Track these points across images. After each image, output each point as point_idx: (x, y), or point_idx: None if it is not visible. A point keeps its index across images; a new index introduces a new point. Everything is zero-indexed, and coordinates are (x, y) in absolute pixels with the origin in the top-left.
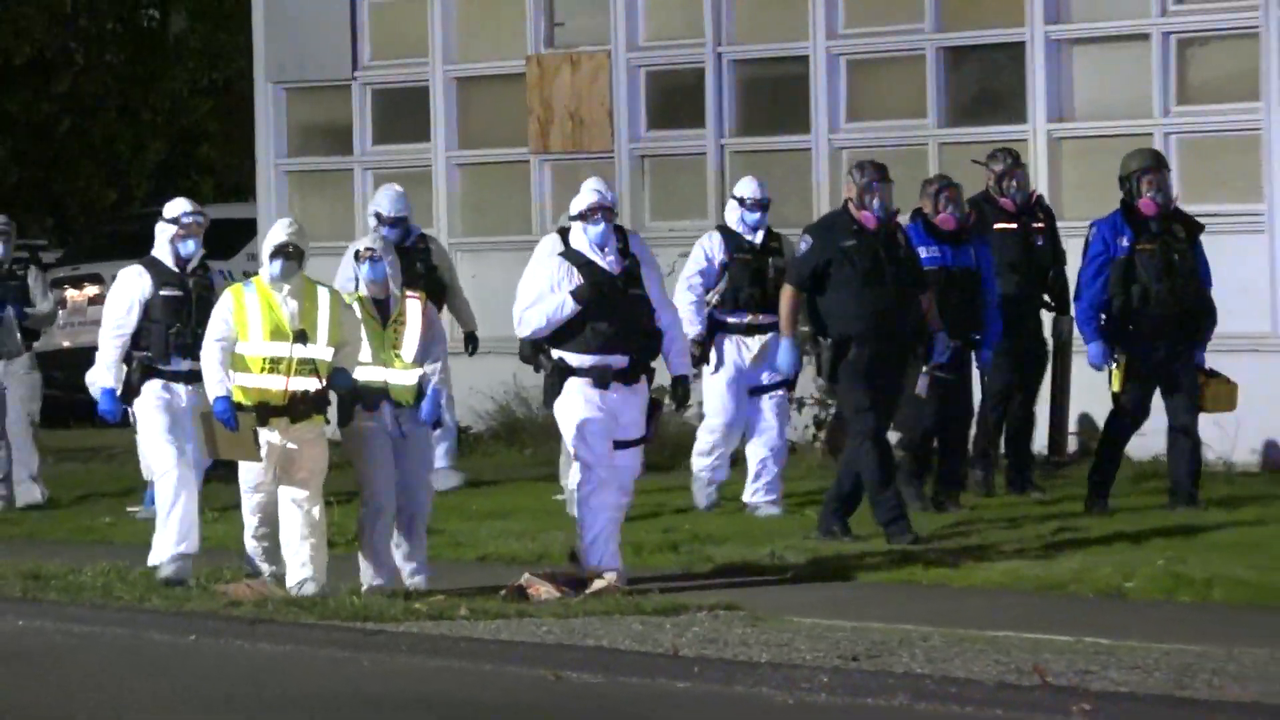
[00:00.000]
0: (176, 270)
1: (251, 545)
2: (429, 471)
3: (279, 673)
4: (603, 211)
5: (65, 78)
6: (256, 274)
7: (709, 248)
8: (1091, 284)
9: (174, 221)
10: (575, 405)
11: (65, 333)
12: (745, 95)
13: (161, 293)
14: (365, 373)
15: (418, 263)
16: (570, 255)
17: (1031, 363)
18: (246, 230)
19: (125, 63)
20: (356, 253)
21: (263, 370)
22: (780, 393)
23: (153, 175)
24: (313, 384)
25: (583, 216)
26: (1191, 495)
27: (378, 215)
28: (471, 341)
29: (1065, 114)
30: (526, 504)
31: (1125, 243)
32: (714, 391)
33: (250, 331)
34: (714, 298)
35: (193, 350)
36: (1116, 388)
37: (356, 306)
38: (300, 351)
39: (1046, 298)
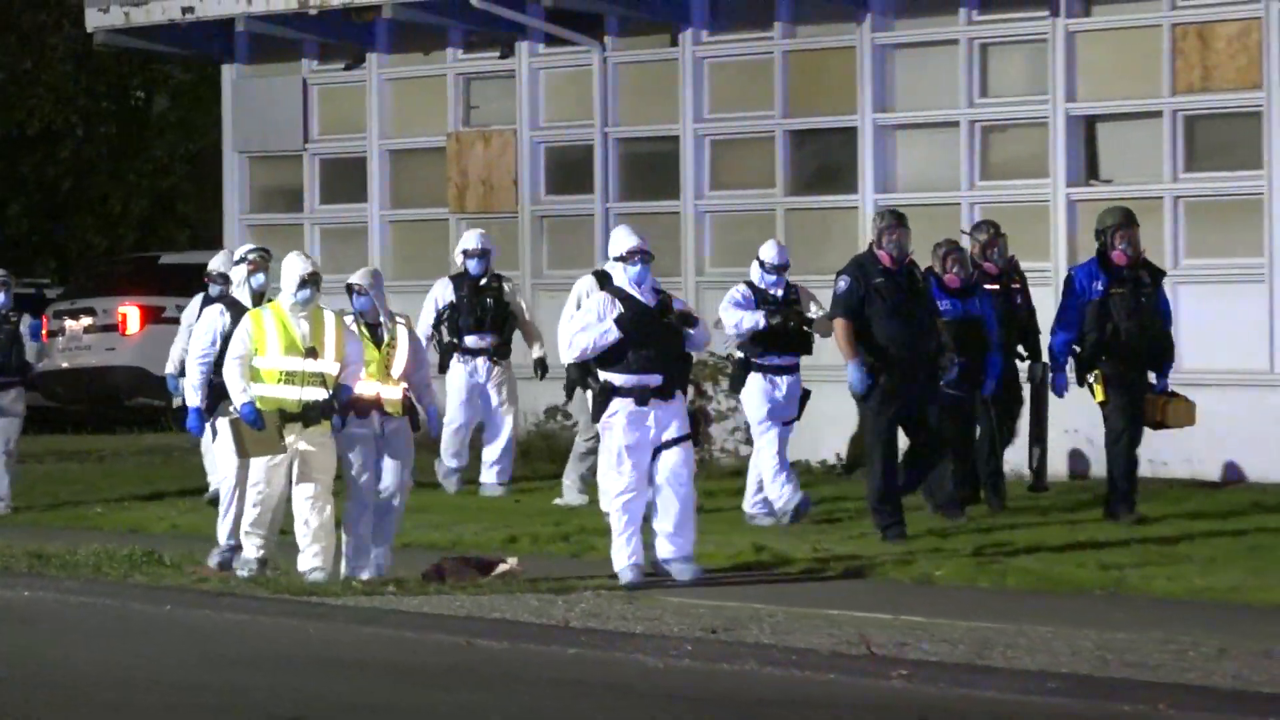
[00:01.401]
0: (252, 307)
1: (244, 534)
2: (406, 467)
3: (240, 637)
4: (641, 254)
5: (68, 146)
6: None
7: (744, 291)
8: (1065, 325)
9: (242, 260)
10: (620, 422)
11: (65, 355)
12: (627, 167)
13: None
14: (360, 386)
15: (488, 298)
16: (613, 290)
17: (1009, 403)
18: None
19: (117, 134)
20: (348, 287)
21: (279, 382)
22: (792, 425)
23: (138, 227)
24: (321, 394)
25: (624, 258)
26: (1128, 497)
27: (465, 251)
28: (541, 367)
29: (889, 187)
30: (444, 501)
31: (1100, 287)
32: (755, 418)
33: (268, 348)
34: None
35: None
36: (1101, 398)
37: (355, 329)
38: (311, 365)
39: (1021, 348)
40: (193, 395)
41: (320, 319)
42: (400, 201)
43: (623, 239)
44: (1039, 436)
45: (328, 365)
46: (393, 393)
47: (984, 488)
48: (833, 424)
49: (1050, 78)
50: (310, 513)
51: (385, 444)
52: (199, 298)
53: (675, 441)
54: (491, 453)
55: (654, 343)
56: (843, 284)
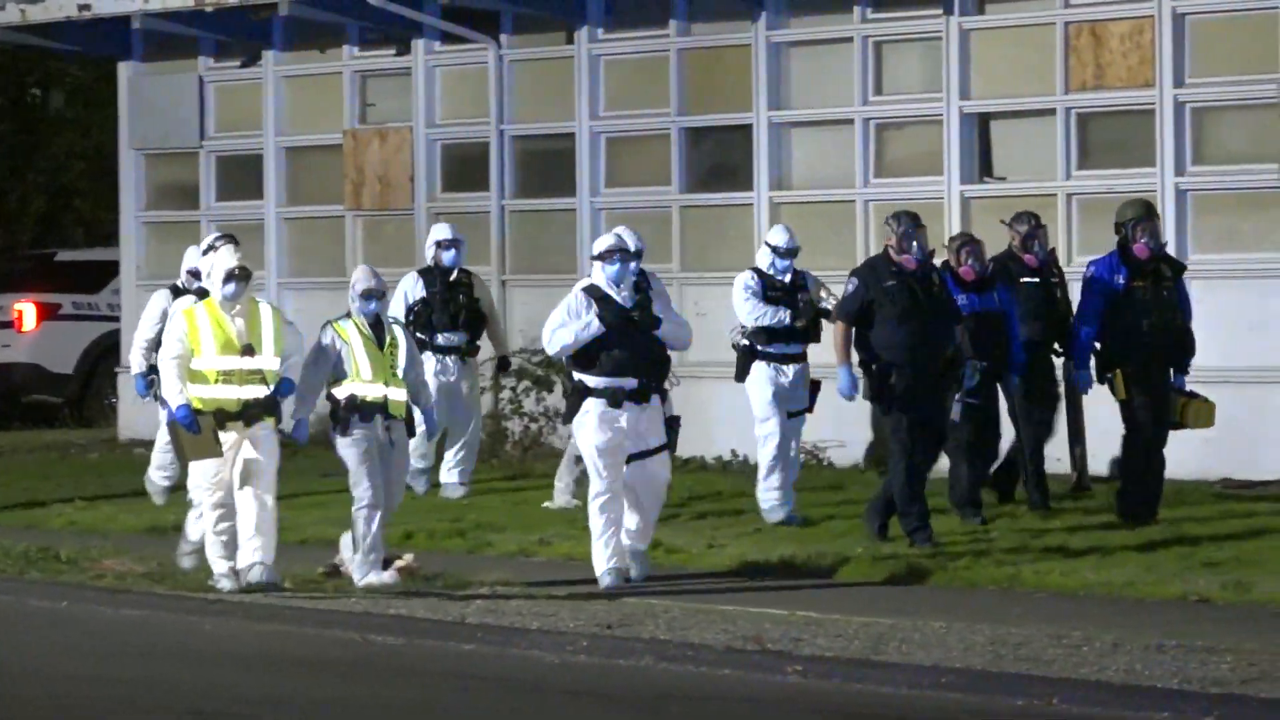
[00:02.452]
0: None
1: (211, 540)
2: (403, 476)
3: (137, 632)
4: (619, 253)
5: None
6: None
7: (750, 281)
8: (1088, 319)
9: (210, 249)
10: (592, 423)
11: None
12: (523, 165)
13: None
14: (367, 389)
15: (460, 295)
16: (590, 290)
17: (1048, 399)
18: (111, 270)
19: (13, 132)
20: (362, 291)
21: (216, 381)
22: (803, 415)
23: (35, 224)
24: (262, 391)
25: (601, 257)
26: (1148, 499)
27: (438, 243)
28: (503, 365)
29: (784, 184)
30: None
31: (1121, 280)
32: (759, 407)
33: (203, 347)
34: (748, 330)
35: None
36: (1123, 395)
37: (355, 333)
38: (248, 363)
39: (1058, 345)
40: (175, 396)
41: (256, 313)
42: (297, 199)
43: (604, 238)
44: (1078, 435)
45: (267, 361)
46: (398, 394)
47: (1026, 486)
48: (725, 420)
49: (944, 75)
50: (252, 507)
51: (390, 452)
52: (160, 294)
53: (652, 451)
54: (454, 452)
55: (629, 344)
56: (850, 286)
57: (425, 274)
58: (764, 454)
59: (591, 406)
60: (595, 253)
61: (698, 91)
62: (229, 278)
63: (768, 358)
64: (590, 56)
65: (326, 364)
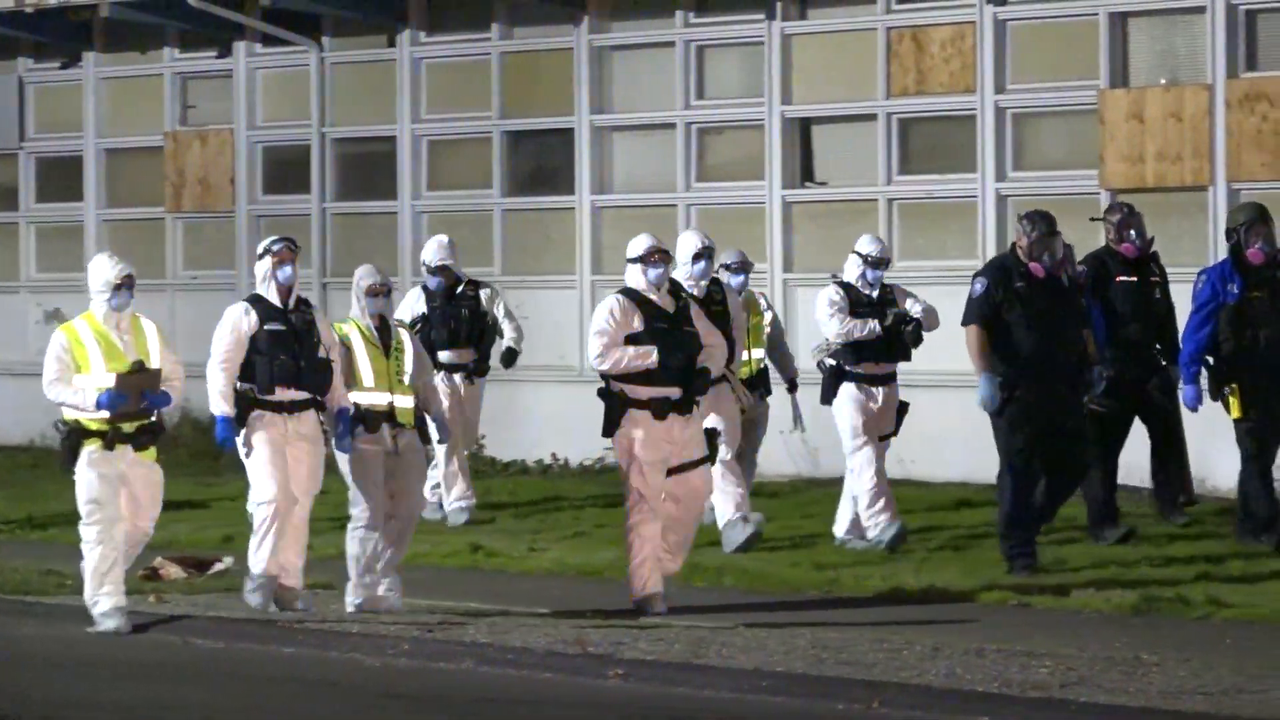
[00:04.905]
0: (280, 306)
1: (104, 591)
2: (421, 483)
3: None
4: (659, 254)
5: None
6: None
7: (835, 295)
8: (1199, 330)
9: (265, 253)
10: (635, 438)
11: None
12: (344, 167)
13: (266, 327)
14: (370, 397)
15: (463, 309)
16: (629, 294)
17: (1159, 403)
18: None
19: None
20: (368, 288)
21: None
22: (889, 441)
23: None
24: (150, 413)
25: (642, 260)
26: (1270, 522)
27: (425, 265)
28: (510, 357)
29: (606, 188)
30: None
31: (1235, 290)
32: (849, 433)
33: (91, 364)
34: (834, 347)
35: (297, 381)
36: (1237, 414)
37: (358, 337)
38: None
39: (1158, 347)
40: (218, 402)
41: (140, 328)
42: (117, 201)
43: (640, 240)
44: (1180, 447)
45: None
46: (405, 402)
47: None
48: (546, 424)
49: (766, 80)
50: (138, 540)
51: (398, 460)
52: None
53: (695, 464)
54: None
55: (673, 352)
56: (978, 287)
57: (428, 288)
58: (860, 483)
59: (635, 420)
60: (633, 256)
61: (519, 95)
62: (115, 288)
63: (856, 379)
64: (412, 59)
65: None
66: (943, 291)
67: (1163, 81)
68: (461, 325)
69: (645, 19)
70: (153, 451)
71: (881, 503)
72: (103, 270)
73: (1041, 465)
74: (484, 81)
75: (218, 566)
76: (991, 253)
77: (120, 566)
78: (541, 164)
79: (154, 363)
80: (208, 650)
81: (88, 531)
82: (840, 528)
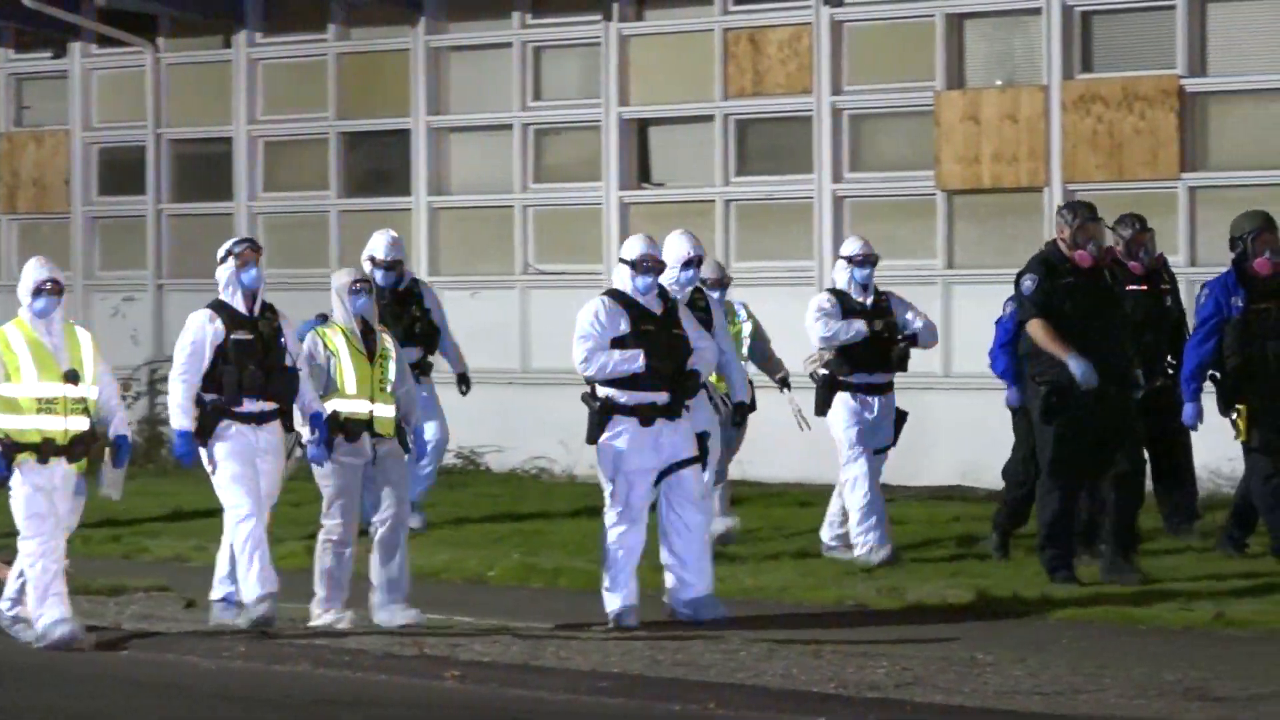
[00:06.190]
0: (246, 313)
1: (48, 603)
2: (405, 490)
3: None
4: (652, 262)
5: None
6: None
7: (826, 303)
8: (1201, 346)
9: (229, 255)
10: (619, 445)
11: None
12: (180, 168)
13: (233, 336)
14: (351, 405)
15: (412, 306)
16: (615, 295)
17: (1171, 412)
18: None
19: None
20: (351, 284)
21: (38, 411)
22: (886, 453)
23: None
24: (84, 424)
25: (634, 265)
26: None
27: (372, 259)
28: (464, 382)
29: (443, 189)
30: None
31: (1239, 303)
32: (844, 445)
33: (23, 373)
34: (826, 357)
35: (265, 391)
36: (1243, 436)
37: (343, 341)
38: (73, 391)
39: (1171, 358)
40: (178, 417)
41: (73, 335)
42: None
43: (635, 243)
44: (1186, 462)
45: (90, 390)
46: (386, 410)
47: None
48: None
49: (603, 81)
50: (59, 557)
51: (379, 470)
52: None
53: (683, 464)
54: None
55: (661, 356)
56: (1029, 283)
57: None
58: (854, 498)
59: (621, 425)
60: (626, 258)
61: (356, 96)
62: (40, 292)
63: (850, 389)
64: (248, 60)
65: (321, 374)
66: (782, 292)
67: (998, 83)
68: (415, 323)
69: (482, 20)
70: (84, 463)
71: (873, 520)
72: (28, 275)
73: (1091, 475)
74: (320, 82)
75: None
76: (829, 253)
77: (61, 578)
78: (378, 165)
79: (87, 374)
80: (41, 654)
81: (28, 545)
82: (826, 534)
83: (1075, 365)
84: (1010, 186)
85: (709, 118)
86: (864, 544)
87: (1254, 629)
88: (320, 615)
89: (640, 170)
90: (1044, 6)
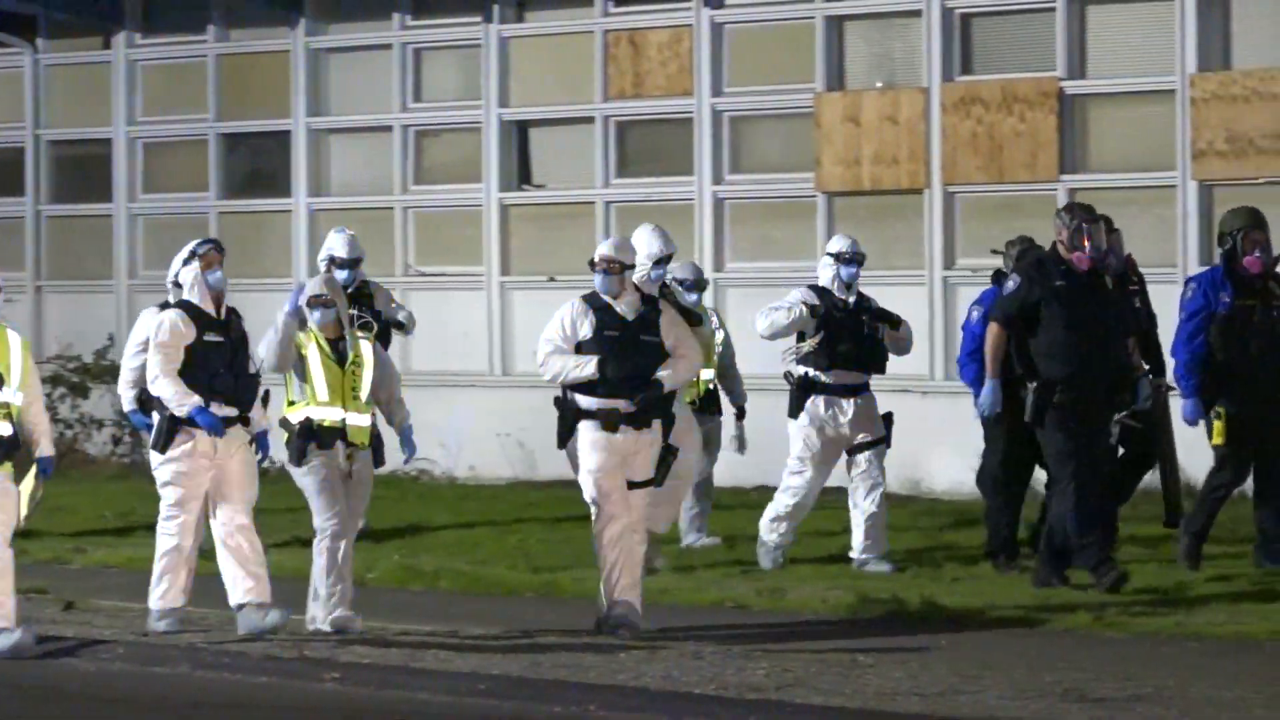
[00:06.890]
0: (214, 315)
1: None
2: (365, 506)
3: None
4: (607, 264)
5: None
6: None
7: (803, 294)
8: (1192, 340)
9: (193, 257)
10: (585, 448)
11: None
12: (59, 170)
13: (205, 338)
14: (323, 412)
15: (363, 308)
16: (589, 299)
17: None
18: None
19: None
20: (309, 300)
21: None
22: (881, 447)
23: None
24: (6, 429)
25: (591, 264)
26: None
27: (331, 258)
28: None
29: (323, 190)
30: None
31: (1226, 299)
32: (795, 452)
33: None
34: (805, 352)
35: (232, 396)
36: (1219, 440)
37: (314, 348)
38: None
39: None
40: (185, 401)
41: (4, 338)
42: None
43: (601, 244)
44: (1170, 468)
45: (13, 395)
46: (361, 420)
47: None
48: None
49: (484, 83)
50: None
51: (348, 482)
52: (150, 312)
53: (637, 485)
54: None
55: (628, 362)
56: (1010, 284)
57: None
58: (782, 499)
59: (585, 430)
60: (591, 259)
61: (236, 97)
62: None
63: (826, 390)
64: (127, 61)
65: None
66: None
67: (879, 85)
68: (372, 327)
69: (362, 21)
70: (9, 467)
71: (785, 526)
72: None
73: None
74: (200, 84)
75: None
76: (709, 254)
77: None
78: (258, 167)
79: (13, 378)
80: None
81: None
82: (857, 549)
83: (986, 391)
84: (890, 188)
85: (589, 119)
86: (772, 533)
87: (1130, 631)
88: (326, 617)
89: (521, 172)
90: (924, 9)
